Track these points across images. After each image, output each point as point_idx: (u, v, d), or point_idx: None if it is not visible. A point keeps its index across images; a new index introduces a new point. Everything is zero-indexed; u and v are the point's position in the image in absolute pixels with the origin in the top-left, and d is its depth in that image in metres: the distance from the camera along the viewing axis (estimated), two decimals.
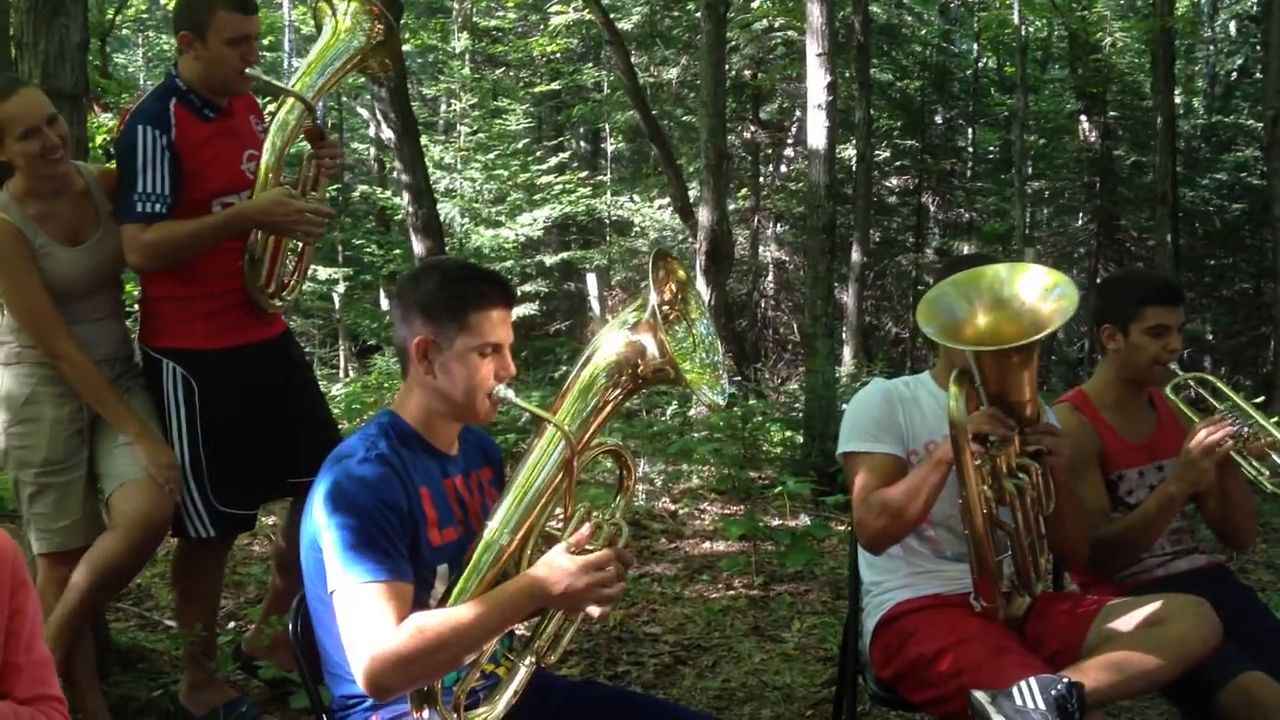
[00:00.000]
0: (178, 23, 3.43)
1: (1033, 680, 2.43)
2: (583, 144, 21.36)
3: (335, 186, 4.11)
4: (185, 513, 3.46)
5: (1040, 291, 2.70)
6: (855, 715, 3.16)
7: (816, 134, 8.52)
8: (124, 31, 18.20)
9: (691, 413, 10.07)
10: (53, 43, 3.75)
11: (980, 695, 2.46)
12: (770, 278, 19.31)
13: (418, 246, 9.96)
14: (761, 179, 18.95)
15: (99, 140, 7.28)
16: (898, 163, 19.37)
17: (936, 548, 2.96)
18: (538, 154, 18.00)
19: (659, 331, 2.30)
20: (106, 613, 3.87)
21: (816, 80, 8.49)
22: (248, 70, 3.40)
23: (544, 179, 17.16)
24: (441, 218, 11.96)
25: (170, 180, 3.30)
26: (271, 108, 3.60)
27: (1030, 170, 18.40)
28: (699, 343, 2.51)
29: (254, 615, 4.12)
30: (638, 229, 17.85)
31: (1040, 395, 2.76)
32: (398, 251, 16.15)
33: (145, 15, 18.01)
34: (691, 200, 13.27)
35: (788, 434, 9.55)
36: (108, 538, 3.28)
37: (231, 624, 4.37)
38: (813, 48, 8.56)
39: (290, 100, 3.44)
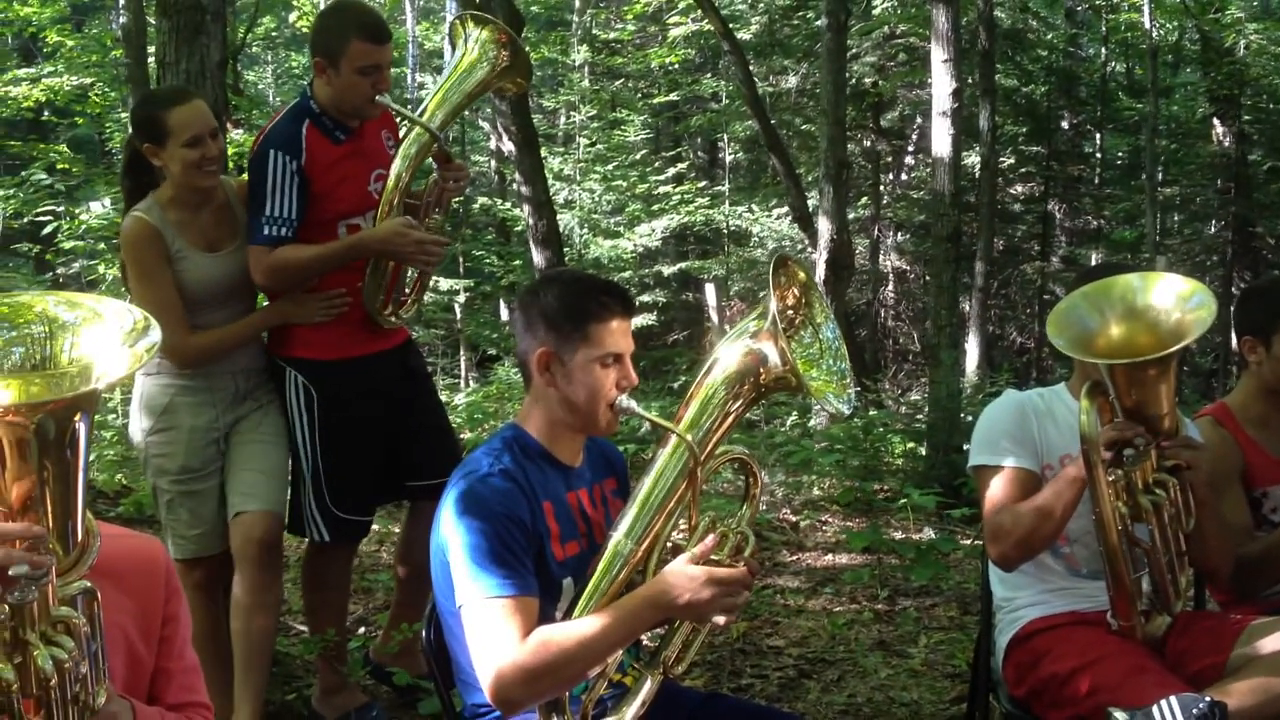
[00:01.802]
0: (313, 48, 3.52)
1: (1174, 699, 2.35)
2: (700, 154, 21.37)
3: (457, 200, 4.29)
4: (306, 518, 3.57)
5: (1176, 300, 2.62)
6: None
7: (941, 141, 8.40)
8: (254, 49, 18.73)
9: (812, 423, 10.00)
10: (194, 62, 3.89)
11: (1120, 714, 2.39)
12: (890, 287, 19.09)
13: (537, 257, 10.07)
14: (882, 187, 18.75)
15: (229, 153, 7.48)
16: (1022, 169, 18.99)
17: (1072, 564, 2.89)
18: (656, 164, 18.06)
19: (780, 339, 2.29)
20: None
21: (941, 87, 8.39)
22: (378, 98, 3.48)
23: (662, 189, 17.22)
24: (561, 229, 12.07)
25: (297, 205, 3.40)
26: (401, 132, 3.68)
27: (1161, 176, 17.89)
28: (826, 348, 2.49)
29: (382, 621, 4.19)
30: (756, 239, 17.80)
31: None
32: (518, 262, 16.34)
33: (274, 33, 18.52)
34: (811, 209, 13.18)
35: (909, 446, 9.43)
36: (235, 578, 3.44)
37: (361, 629, 4.45)
38: (938, 54, 8.46)
39: (416, 129, 3.51)
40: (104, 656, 1.70)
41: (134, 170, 3.45)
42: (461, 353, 16.47)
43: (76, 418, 1.60)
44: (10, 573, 1.54)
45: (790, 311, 2.41)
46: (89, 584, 1.67)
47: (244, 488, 3.42)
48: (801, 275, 2.43)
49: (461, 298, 16.17)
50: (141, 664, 1.91)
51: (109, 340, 1.66)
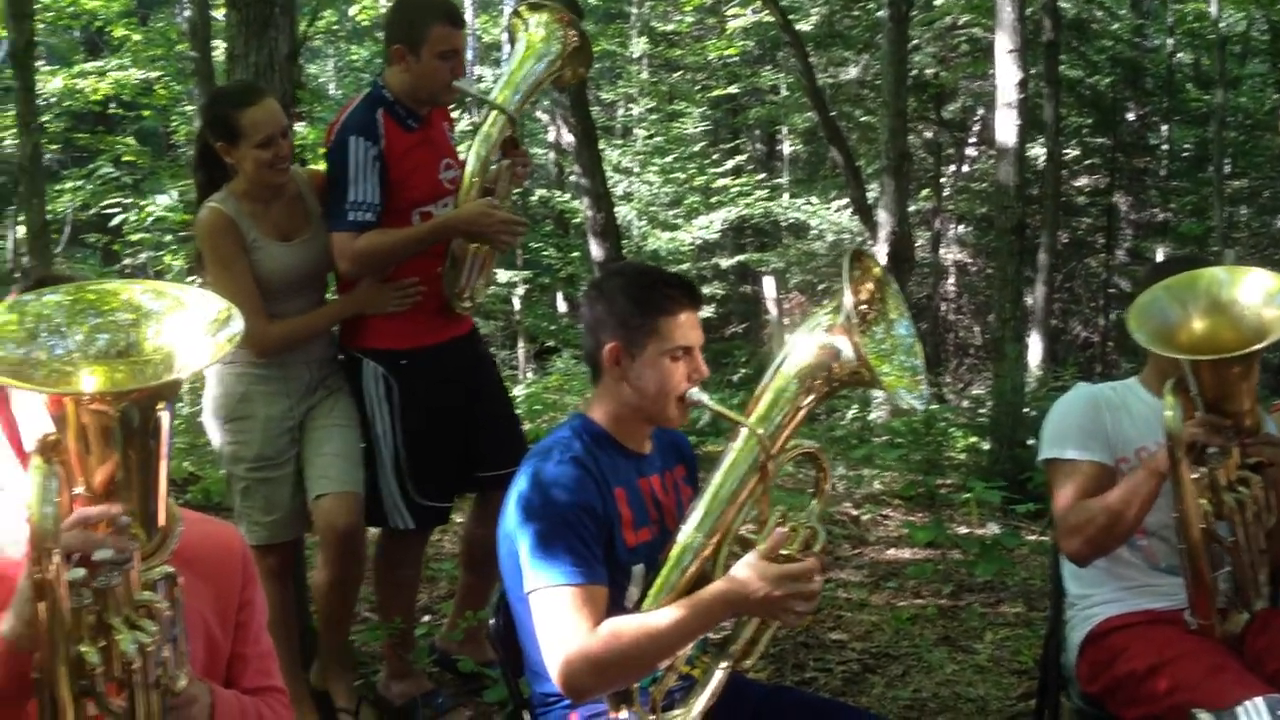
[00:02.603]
0: (391, 36, 3.54)
1: (1260, 700, 2.31)
2: (758, 146, 21.29)
3: (516, 191, 4.33)
4: (387, 505, 3.59)
5: (1263, 296, 2.56)
6: None
7: (1006, 132, 8.29)
8: (316, 43, 18.86)
9: (872, 416, 9.94)
10: (263, 55, 3.91)
11: (1204, 716, 2.35)
12: (951, 280, 18.93)
13: (595, 250, 10.08)
14: (943, 179, 18.58)
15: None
16: (1087, 161, 18.74)
17: (1150, 559, 2.84)
18: (714, 157, 18.01)
19: (854, 334, 2.26)
20: (309, 604, 4.01)
21: (1007, 77, 8.27)
22: (455, 83, 3.51)
23: (720, 182, 17.17)
24: (619, 221, 12.06)
25: (380, 189, 3.42)
26: (463, 123, 3.70)
27: (1229, 168, 17.58)
28: (898, 345, 2.47)
29: (446, 609, 4.22)
30: (815, 231, 17.70)
31: None
32: (576, 254, 16.37)
33: (336, 27, 18.65)
34: (871, 202, 13.09)
35: (972, 440, 9.33)
36: (319, 556, 3.53)
37: (426, 618, 4.47)
38: (1003, 44, 8.35)
39: (493, 112, 3.53)
40: (185, 640, 1.72)
41: (206, 163, 3.48)
42: (520, 344, 16.53)
43: (159, 406, 1.62)
44: (95, 557, 1.57)
45: (864, 307, 2.38)
46: (171, 569, 1.69)
47: (322, 471, 3.46)
48: (876, 270, 2.41)
49: (520, 290, 16.22)
50: (219, 649, 1.94)
51: (192, 329, 1.68)
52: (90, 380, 1.61)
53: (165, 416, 1.62)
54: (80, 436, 1.59)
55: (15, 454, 1.77)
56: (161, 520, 1.69)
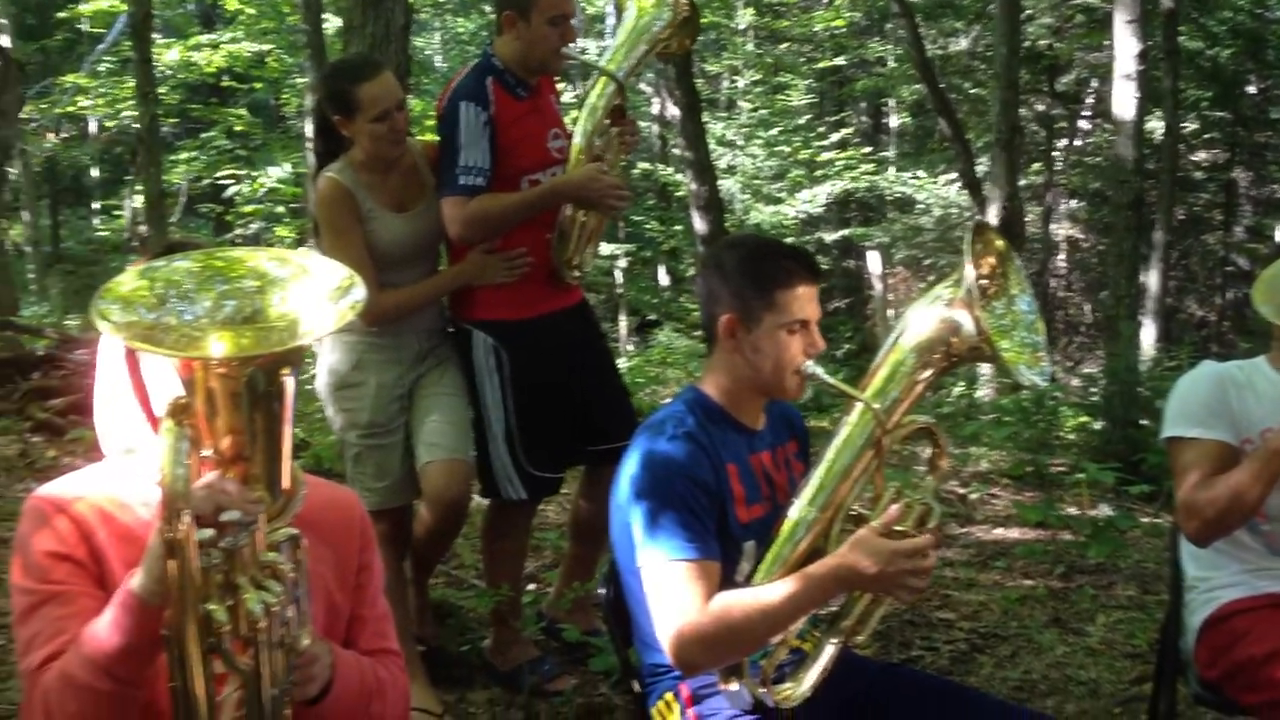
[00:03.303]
0: (502, 2, 3.56)
1: None
2: (864, 119, 21.03)
3: (621, 162, 4.30)
4: (499, 476, 3.61)
5: None
6: (1175, 716, 2.97)
7: (1124, 105, 8.08)
8: (423, 15, 19.04)
9: (979, 394, 9.80)
10: (379, 25, 3.97)
11: None
12: (1062, 256, 18.53)
13: (699, 223, 10.06)
14: (1055, 153, 18.18)
15: None
16: (1206, 135, 18.19)
17: (1271, 544, 2.75)
18: (819, 130, 17.84)
19: (975, 308, 2.21)
20: None
21: (1126, 49, 8.05)
22: (564, 49, 3.51)
23: (825, 155, 17.00)
24: (722, 194, 12.01)
25: (490, 154, 3.43)
26: (567, 95, 3.70)
27: None
28: (1019, 320, 2.40)
29: (552, 579, 4.25)
30: (921, 206, 17.46)
31: None
32: (678, 228, 16.37)
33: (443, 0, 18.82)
34: (980, 176, 12.86)
35: (1082, 419, 9.14)
36: (422, 510, 3.57)
37: (532, 586, 4.52)
38: (1121, 15, 8.13)
39: (601, 80, 3.53)
40: (307, 601, 1.75)
41: (324, 133, 3.53)
42: (622, 317, 16.59)
43: (284, 371, 1.63)
44: (223, 519, 1.60)
45: (985, 281, 2.33)
46: (295, 531, 1.71)
47: (430, 438, 3.49)
48: (999, 243, 2.35)
49: (622, 263, 16.28)
50: (338, 610, 1.97)
51: (316, 296, 1.69)
52: (218, 345, 1.63)
53: (290, 382, 1.64)
54: (208, 400, 1.62)
55: (146, 417, 1.81)
56: (285, 483, 1.72)
